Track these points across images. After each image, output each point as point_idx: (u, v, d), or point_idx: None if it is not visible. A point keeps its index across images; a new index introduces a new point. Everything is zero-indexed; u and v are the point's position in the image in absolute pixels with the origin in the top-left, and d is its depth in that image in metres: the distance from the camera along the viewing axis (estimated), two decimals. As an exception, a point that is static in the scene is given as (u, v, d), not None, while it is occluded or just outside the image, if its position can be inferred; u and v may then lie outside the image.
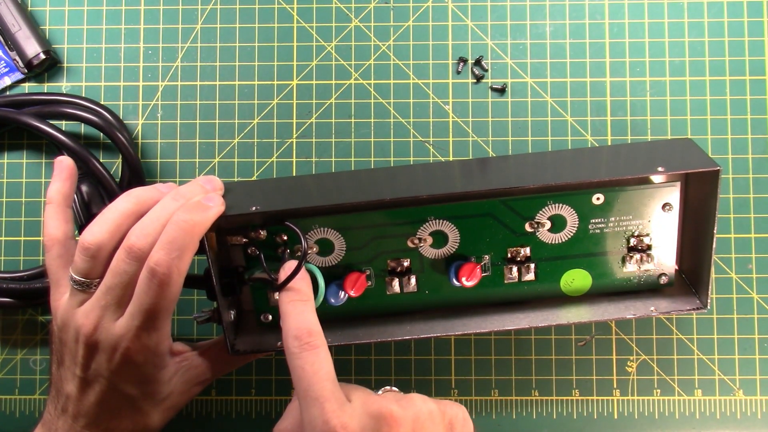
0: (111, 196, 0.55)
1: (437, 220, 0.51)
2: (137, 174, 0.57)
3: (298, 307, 0.46)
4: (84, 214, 0.55)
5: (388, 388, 0.48)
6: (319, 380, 0.43)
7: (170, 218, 0.45)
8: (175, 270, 0.44)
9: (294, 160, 0.59)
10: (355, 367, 0.59)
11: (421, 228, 0.51)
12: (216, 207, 0.46)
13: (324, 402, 0.42)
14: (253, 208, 0.48)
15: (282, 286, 0.48)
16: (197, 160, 0.59)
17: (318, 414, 0.42)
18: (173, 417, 0.50)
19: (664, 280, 0.53)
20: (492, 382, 0.59)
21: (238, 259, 0.52)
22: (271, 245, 0.51)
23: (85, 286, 0.46)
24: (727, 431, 0.57)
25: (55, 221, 0.49)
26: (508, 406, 0.58)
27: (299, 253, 0.51)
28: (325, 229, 0.51)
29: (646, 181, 0.51)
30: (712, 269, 0.54)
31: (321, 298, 0.49)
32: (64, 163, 0.51)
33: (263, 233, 0.50)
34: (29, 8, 0.60)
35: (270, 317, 0.53)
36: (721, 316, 0.58)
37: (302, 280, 0.47)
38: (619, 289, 0.53)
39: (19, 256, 0.59)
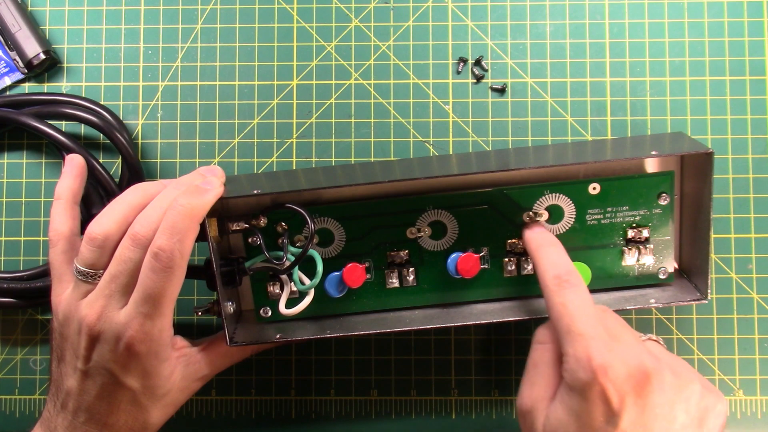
0: (110, 196, 0.55)
1: (436, 210, 0.51)
2: (137, 174, 0.57)
3: (551, 250, 0.49)
4: (83, 214, 0.55)
5: (653, 337, 0.49)
6: (581, 316, 0.44)
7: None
8: (178, 254, 0.45)
9: (294, 160, 0.59)
10: (355, 367, 0.59)
11: (420, 218, 0.52)
12: (214, 190, 0.47)
13: (589, 339, 0.43)
14: (255, 191, 0.48)
15: (287, 270, 0.49)
16: (197, 160, 0.59)
17: (582, 350, 0.43)
18: (172, 414, 0.50)
19: (663, 273, 0.53)
20: (492, 382, 0.59)
21: (239, 249, 0.52)
22: (270, 234, 0.51)
23: (90, 277, 0.47)
24: (727, 431, 0.57)
25: (62, 217, 0.50)
26: (508, 406, 0.58)
27: (299, 244, 0.51)
28: (325, 218, 0.51)
29: (641, 170, 0.52)
30: (712, 265, 0.54)
31: (318, 279, 0.50)
32: (75, 161, 0.52)
33: (264, 220, 0.50)
34: (29, 8, 0.60)
35: (269, 312, 0.53)
36: (721, 316, 0.58)
37: (546, 232, 0.51)
38: (618, 284, 0.54)
39: (19, 256, 0.59)
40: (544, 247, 0.49)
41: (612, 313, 0.47)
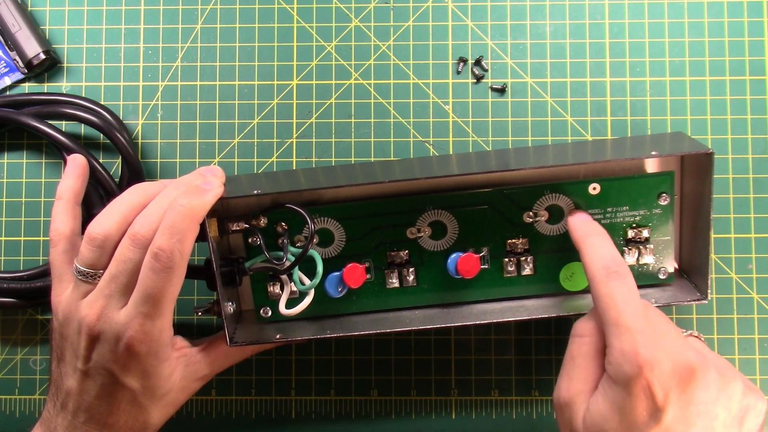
0: (110, 196, 0.55)
1: (436, 210, 0.51)
2: (137, 174, 0.57)
3: (600, 240, 0.48)
4: (83, 214, 0.55)
5: (694, 333, 0.49)
6: (629, 310, 0.44)
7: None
8: (178, 254, 0.45)
9: (294, 160, 0.59)
10: (355, 367, 0.59)
11: (420, 218, 0.52)
12: (214, 190, 0.47)
13: (636, 333, 0.43)
14: (255, 192, 0.48)
15: (287, 270, 0.49)
16: (197, 160, 0.59)
17: (629, 344, 0.43)
18: (172, 415, 0.50)
19: (663, 273, 0.53)
20: (492, 382, 0.58)
21: (239, 249, 0.52)
22: (271, 234, 0.51)
23: (90, 277, 0.47)
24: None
25: (63, 217, 0.50)
26: (508, 406, 0.58)
27: (299, 244, 0.51)
28: (325, 218, 0.51)
29: (641, 170, 0.52)
30: (712, 265, 0.54)
31: (318, 279, 0.50)
32: (78, 161, 0.52)
33: (264, 220, 0.50)
34: (29, 8, 0.60)
35: (270, 312, 0.53)
36: (721, 316, 0.58)
37: (592, 221, 0.50)
38: None
39: (19, 256, 0.59)
40: (591, 236, 0.48)
41: (654, 307, 0.47)
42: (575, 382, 0.46)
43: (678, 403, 0.43)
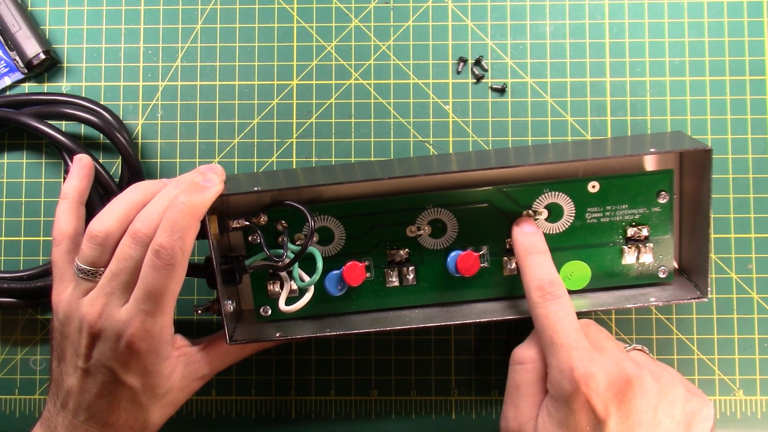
0: (110, 196, 0.55)
1: (436, 208, 0.51)
2: (137, 174, 0.57)
3: (537, 259, 0.49)
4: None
5: (638, 346, 0.49)
6: (563, 328, 0.45)
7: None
8: (179, 251, 0.45)
9: (294, 159, 0.59)
10: (355, 367, 0.59)
11: (420, 216, 0.52)
12: (214, 187, 0.47)
13: (570, 349, 0.45)
14: (256, 188, 0.48)
15: (288, 266, 0.49)
16: (197, 160, 0.59)
17: (565, 361, 0.44)
18: (172, 414, 0.50)
19: (663, 272, 0.53)
20: (492, 382, 0.58)
21: (239, 248, 0.53)
22: (271, 233, 0.51)
23: (91, 275, 0.47)
24: (728, 431, 0.57)
25: (67, 216, 0.50)
26: (509, 405, 0.58)
27: (299, 242, 0.51)
28: (325, 216, 0.51)
29: (640, 168, 0.52)
30: (712, 265, 0.54)
31: (318, 276, 0.50)
32: (84, 161, 0.53)
33: (264, 218, 0.50)
34: (29, 8, 0.60)
35: (269, 310, 0.53)
36: (721, 316, 0.58)
37: (534, 235, 0.50)
38: (618, 283, 0.54)
39: (19, 256, 0.59)
40: (530, 255, 0.49)
41: (596, 324, 0.48)
42: (522, 410, 0.47)
43: (618, 413, 0.44)
